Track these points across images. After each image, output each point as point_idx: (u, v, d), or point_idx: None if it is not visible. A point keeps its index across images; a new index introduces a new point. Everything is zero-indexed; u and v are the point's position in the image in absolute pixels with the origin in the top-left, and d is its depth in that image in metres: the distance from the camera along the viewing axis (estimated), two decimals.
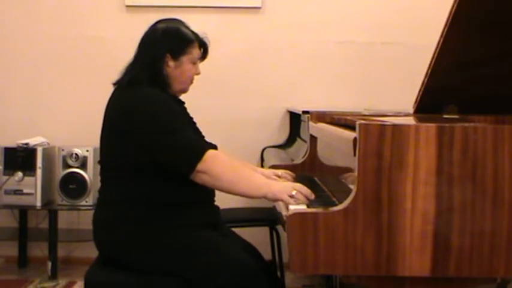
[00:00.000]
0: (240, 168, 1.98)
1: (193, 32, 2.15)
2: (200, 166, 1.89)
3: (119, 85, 2.08)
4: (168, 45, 2.09)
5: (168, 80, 2.09)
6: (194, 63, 2.14)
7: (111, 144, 2.05)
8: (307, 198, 1.79)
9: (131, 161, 1.98)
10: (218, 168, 1.90)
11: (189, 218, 2.00)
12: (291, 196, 1.79)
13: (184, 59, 2.11)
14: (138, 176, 1.98)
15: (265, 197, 1.86)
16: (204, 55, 2.19)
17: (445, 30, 1.85)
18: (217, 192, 2.08)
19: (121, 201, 2.00)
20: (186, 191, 1.96)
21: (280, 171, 2.29)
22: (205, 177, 1.90)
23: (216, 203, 2.15)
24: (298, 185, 1.86)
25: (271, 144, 3.72)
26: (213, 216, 2.13)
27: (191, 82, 2.17)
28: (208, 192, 2.07)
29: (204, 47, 2.18)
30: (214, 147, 2.25)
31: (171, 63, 2.09)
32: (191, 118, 2.21)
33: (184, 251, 1.94)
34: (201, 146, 1.95)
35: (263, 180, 1.93)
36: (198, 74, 2.17)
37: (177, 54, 2.09)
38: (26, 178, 3.51)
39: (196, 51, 2.14)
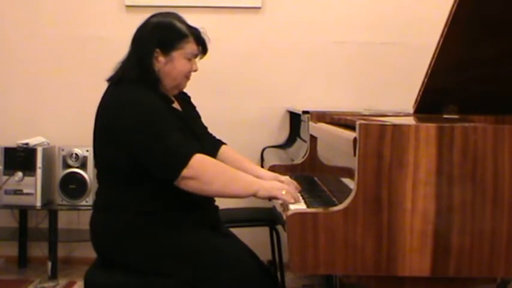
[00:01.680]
0: (229, 168, 1.92)
1: (189, 27, 2.05)
2: (186, 172, 1.82)
3: (111, 82, 2.03)
4: (157, 39, 2.00)
5: (158, 76, 2.01)
6: (189, 59, 2.04)
7: (104, 148, 2.00)
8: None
9: (125, 163, 1.93)
10: (209, 173, 1.85)
11: (189, 218, 1.99)
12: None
13: (176, 54, 2.01)
14: (135, 178, 1.94)
15: (255, 194, 1.81)
16: (203, 51, 2.09)
17: (445, 30, 1.84)
18: None
19: (118, 203, 1.98)
20: (186, 191, 1.92)
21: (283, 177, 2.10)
22: (193, 183, 1.84)
23: (215, 203, 2.14)
24: (287, 186, 1.85)
25: (271, 144, 3.72)
26: (213, 216, 2.13)
27: (187, 78, 2.08)
28: None
29: (201, 42, 2.07)
30: (216, 146, 2.24)
31: (161, 59, 2.00)
32: (192, 115, 2.19)
33: (184, 252, 1.93)
34: (185, 151, 1.84)
35: (252, 177, 1.91)
36: (194, 70, 2.08)
37: (167, 49, 2.00)
38: (26, 178, 3.50)
39: (190, 47, 2.04)
